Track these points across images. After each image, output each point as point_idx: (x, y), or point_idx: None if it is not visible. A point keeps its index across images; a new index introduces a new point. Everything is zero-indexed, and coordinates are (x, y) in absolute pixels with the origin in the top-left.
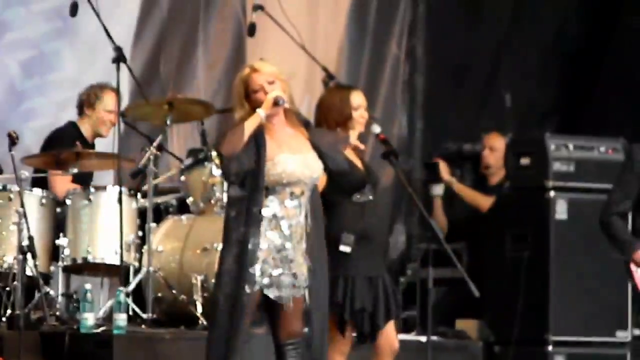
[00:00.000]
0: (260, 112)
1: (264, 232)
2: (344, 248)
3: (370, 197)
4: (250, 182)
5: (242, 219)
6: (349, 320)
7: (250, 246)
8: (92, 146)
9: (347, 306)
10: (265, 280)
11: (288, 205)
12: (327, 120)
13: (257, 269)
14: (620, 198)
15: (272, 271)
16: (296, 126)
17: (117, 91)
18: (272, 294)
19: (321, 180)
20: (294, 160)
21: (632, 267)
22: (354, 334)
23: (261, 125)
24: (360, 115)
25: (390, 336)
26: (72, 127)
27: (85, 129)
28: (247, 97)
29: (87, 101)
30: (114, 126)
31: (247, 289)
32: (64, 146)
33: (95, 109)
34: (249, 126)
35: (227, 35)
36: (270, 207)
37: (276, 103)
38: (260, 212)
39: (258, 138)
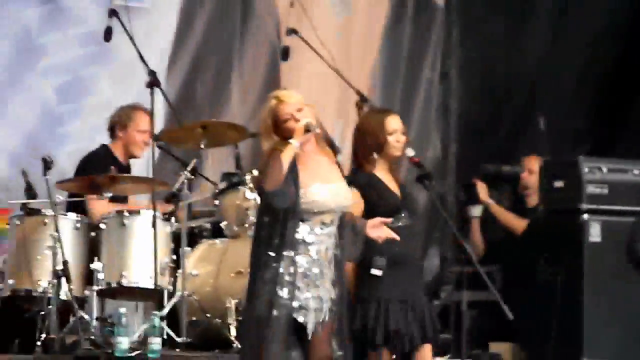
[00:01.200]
0: (294, 143)
1: (294, 257)
2: (375, 272)
3: (405, 222)
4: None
5: (274, 243)
6: (382, 344)
7: (281, 270)
8: (127, 168)
9: (379, 329)
10: (295, 304)
11: (318, 232)
12: (363, 145)
13: (285, 292)
14: None
15: (301, 295)
16: (327, 152)
17: (149, 112)
18: (300, 318)
19: (356, 208)
20: (326, 190)
21: None
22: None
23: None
24: (396, 139)
25: (426, 359)
26: (105, 150)
27: (119, 151)
28: (275, 127)
29: (119, 123)
30: (148, 147)
31: (276, 312)
32: (98, 170)
33: (127, 130)
34: (286, 158)
35: (261, 60)
36: (300, 233)
37: (307, 130)
38: (292, 238)
39: (291, 167)
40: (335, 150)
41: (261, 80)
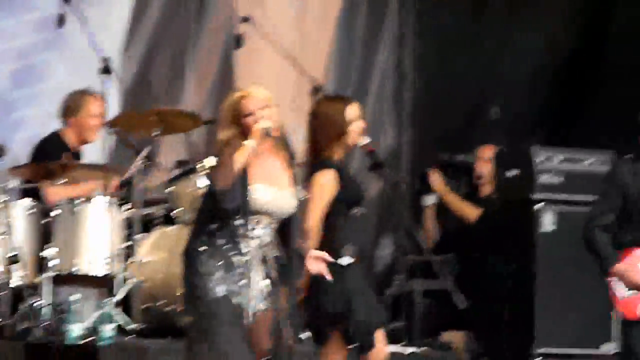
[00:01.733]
0: (250, 144)
1: (227, 247)
2: (345, 260)
3: (364, 211)
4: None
5: (211, 230)
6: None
7: (214, 259)
8: (78, 155)
9: (351, 319)
10: (230, 288)
11: (256, 232)
12: (323, 133)
13: (221, 279)
14: (603, 211)
15: (235, 283)
16: (281, 156)
17: (100, 97)
18: (238, 300)
19: (331, 189)
20: (269, 193)
21: (610, 281)
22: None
23: None
24: (357, 127)
25: (382, 346)
26: (56, 137)
27: (70, 138)
28: (235, 119)
29: (70, 108)
30: (99, 131)
31: (216, 295)
32: (49, 157)
33: (79, 115)
34: (240, 159)
35: (216, 49)
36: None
37: (266, 134)
38: (230, 229)
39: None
40: (291, 155)
41: (215, 68)
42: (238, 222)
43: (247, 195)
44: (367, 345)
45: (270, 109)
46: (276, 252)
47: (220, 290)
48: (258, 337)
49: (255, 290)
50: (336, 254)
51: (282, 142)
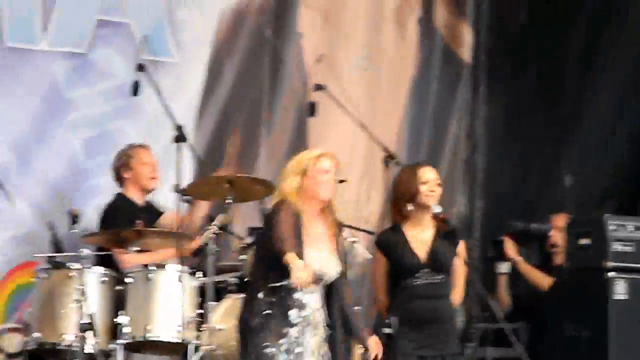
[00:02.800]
0: (300, 277)
1: (285, 311)
2: (386, 330)
3: (426, 279)
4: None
5: (273, 301)
6: None
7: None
8: (146, 208)
9: None
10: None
11: (304, 296)
12: (397, 197)
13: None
14: None
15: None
16: (329, 221)
17: (146, 147)
18: None
19: (380, 266)
20: (315, 257)
21: None
22: None
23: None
24: (429, 189)
25: None
26: (120, 198)
27: (133, 194)
28: (303, 174)
29: (122, 165)
30: (156, 179)
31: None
32: (118, 220)
33: (131, 168)
34: (291, 262)
35: (289, 116)
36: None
37: (316, 280)
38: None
39: (297, 228)
40: (338, 222)
41: (289, 136)
42: (288, 290)
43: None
44: None
45: (332, 175)
46: (325, 317)
47: None
48: None
49: (310, 357)
50: (382, 323)
51: (331, 209)
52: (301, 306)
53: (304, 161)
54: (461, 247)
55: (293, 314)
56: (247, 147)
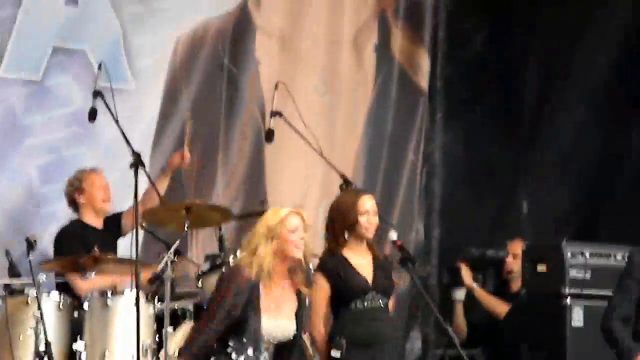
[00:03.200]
0: None
1: None
2: (334, 353)
3: (373, 304)
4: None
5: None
6: None
7: None
8: (103, 232)
9: None
10: None
11: (256, 355)
12: (334, 225)
13: None
14: (621, 303)
15: None
16: (294, 281)
17: (98, 171)
18: None
19: (322, 293)
20: (272, 324)
21: None
22: None
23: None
24: (367, 220)
25: None
26: (73, 224)
27: (89, 218)
28: (276, 235)
29: (75, 190)
30: (109, 202)
31: None
32: (71, 245)
33: (85, 192)
34: None
35: (246, 142)
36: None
37: None
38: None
39: (254, 289)
40: (308, 279)
41: (246, 162)
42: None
43: (259, 325)
44: None
45: (301, 232)
46: None
47: None
48: None
49: None
50: (330, 346)
51: (302, 268)
52: None
53: (272, 224)
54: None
55: None
56: (204, 173)
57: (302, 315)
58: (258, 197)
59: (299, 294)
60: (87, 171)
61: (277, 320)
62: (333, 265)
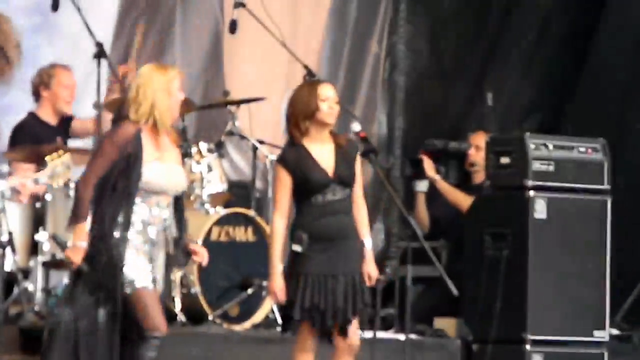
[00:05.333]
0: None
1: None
2: (295, 247)
3: (335, 196)
4: (122, 187)
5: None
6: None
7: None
8: (60, 130)
9: (297, 305)
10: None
11: (154, 213)
12: (294, 114)
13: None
14: None
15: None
16: (170, 133)
17: (68, 68)
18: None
19: (285, 186)
20: (163, 171)
21: None
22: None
23: (139, 130)
24: (329, 106)
25: (349, 334)
26: (31, 118)
27: (47, 114)
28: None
29: (41, 83)
30: (73, 101)
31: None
32: (26, 139)
33: (51, 88)
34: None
35: (204, 32)
36: (139, 213)
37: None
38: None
39: (136, 142)
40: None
41: (204, 52)
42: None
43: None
44: (326, 331)
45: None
46: (175, 232)
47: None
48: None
49: (159, 272)
50: (290, 241)
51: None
52: (155, 221)
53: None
54: (358, 160)
55: (150, 229)
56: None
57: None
58: (218, 88)
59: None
60: (59, 68)
61: (170, 167)
62: (293, 157)
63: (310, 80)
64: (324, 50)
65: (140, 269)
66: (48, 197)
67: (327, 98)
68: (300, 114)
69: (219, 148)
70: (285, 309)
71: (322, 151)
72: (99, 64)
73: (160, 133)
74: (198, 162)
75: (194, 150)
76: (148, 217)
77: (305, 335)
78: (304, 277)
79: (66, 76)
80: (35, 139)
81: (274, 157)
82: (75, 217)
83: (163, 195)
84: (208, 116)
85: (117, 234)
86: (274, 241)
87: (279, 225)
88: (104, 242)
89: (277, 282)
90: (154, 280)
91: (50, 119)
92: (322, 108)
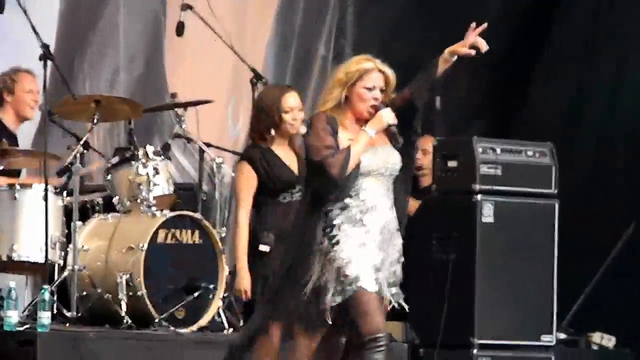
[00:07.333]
0: (371, 133)
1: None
2: (263, 247)
3: (299, 197)
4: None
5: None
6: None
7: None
8: (16, 137)
9: (263, 307)
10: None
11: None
12: (259, 122)
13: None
14: None
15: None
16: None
17: (32, 72)
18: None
19: (250, 181)
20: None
21: None
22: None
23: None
24: (292, 117)
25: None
26: None
27: (8, 119)
28: (350, 86)
29: (4, 88)
30: (36, 107)
31: None
32: None
33: (14, 93)
34: (359, 150)
35: (145, 35)
36: None
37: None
38: None
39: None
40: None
41: (144, 54)
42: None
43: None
44: (289, 333)
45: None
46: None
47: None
48: None
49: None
50: (256, 241)
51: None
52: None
53: (351, 73)
54: None
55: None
56: (102, 66)
57: None
58: (158, 91)
59: None
60: (22, 72)
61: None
62: (259, 155)
63: (274, 87)
64: (271, 52)
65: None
66: None
67: (292, 109)
68: (264, 124)
69: (165, 151)
70: (248, 310)
71: (285, 153)
72: (45, 65)
73: None
74: (144, 165)
75: (140, 153)
76: None
77: (268, 337)
78: (270, 279)
79: (29, 81)
80: None
81: (220, 159)
82: None
83: None
84: (154, 118)
85: None
86: (241, 237)
87: (244, 221)
88: None
89: (245, 279)
90: None
91: (12, 124)
92: (285, 119)
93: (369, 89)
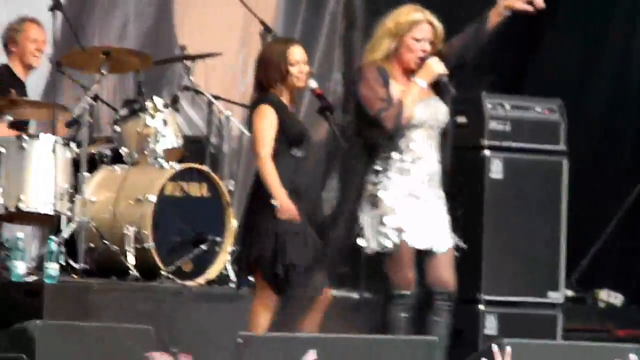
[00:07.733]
0: (422, 84)
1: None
2: (275, 201)
3: (305, 153)
4: None
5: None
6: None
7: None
8: (24, 86)
9: (278, 261)
10: None
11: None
12: (265, 76)
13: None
14: None
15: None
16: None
17: (37, 21)
18: None
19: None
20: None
21: None
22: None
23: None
24: (299, 70)
25: (324, 290)
26: (4, 69)
27: (17, 68)
28: (399, 37)
29: (9, 38)
30: (41, 55)
31: None
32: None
33: (19, 42)
34: (413, 102)
35: None
36: None
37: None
38: None
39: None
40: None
41: (154, 7)
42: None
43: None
44: (303, 288)
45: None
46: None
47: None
48: None
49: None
50: (267, 196)
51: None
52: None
53: (402, 24)
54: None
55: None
56: (111, 18)
57: None
58: (168, 43)
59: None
60: (28, 21)
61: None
62: (278, 102)
63: (280, 40)
64: (281, 5)
65: None
66: (1, 149)
67: (298, 62)
68: (270, 77)
69: (174, 103)
70: (264, 265)
71: (290, 106)
72: (54, 16)
73: None
74: (153, 117)
75: (148, 105)
76: None
77: (268, 292)
78: (282, 235)
79: (34, 30)
80: (6, 89)
81: (229, 112)
82: None
83: None
84: (162, 71)
85: None
86: (271, 173)
87: (268, 158)
88: None
89: (292, 207)
90: None
91: (21, 72)
92: (292, 72)
93: (418, 40)
